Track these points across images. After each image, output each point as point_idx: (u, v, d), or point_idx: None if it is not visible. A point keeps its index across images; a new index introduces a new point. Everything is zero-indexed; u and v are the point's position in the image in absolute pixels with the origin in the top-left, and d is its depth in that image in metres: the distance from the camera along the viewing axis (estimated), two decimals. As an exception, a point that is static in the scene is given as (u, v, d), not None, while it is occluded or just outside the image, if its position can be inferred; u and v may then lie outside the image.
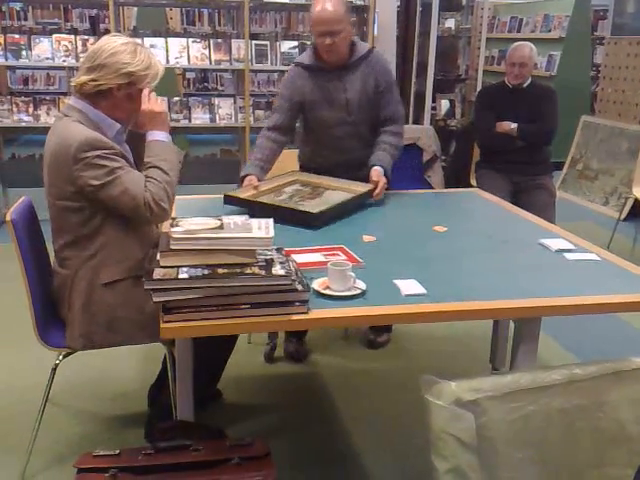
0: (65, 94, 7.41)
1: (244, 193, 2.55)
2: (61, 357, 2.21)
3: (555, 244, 2.20)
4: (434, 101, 5.79)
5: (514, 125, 3.93)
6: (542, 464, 1.25)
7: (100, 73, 1.99)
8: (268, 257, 1.73)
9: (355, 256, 2.06)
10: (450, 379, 1.20)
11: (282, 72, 8.08)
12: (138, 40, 2.10)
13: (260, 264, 1.68)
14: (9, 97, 4.61)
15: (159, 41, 4.74)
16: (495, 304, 1.77)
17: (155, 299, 1.59)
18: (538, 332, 1.95)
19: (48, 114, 4.59)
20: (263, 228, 1.74)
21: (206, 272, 1.62)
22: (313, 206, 2.46)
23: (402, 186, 3.56)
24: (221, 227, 1.70)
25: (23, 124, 4.59)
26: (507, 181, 4.00)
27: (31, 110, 4.57)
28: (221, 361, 2.43)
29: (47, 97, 4.66)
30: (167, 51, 4.66)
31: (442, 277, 1.94)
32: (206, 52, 4.73)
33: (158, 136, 2.10)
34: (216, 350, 2.29)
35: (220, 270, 1.64)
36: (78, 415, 2.61)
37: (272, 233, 1.70)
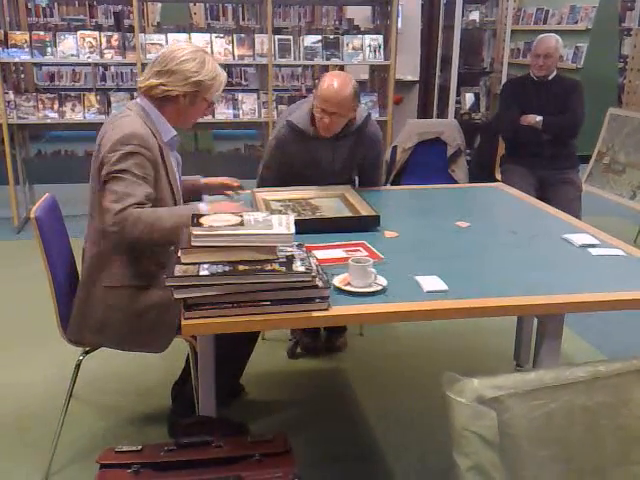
0: (90, 90, 7.51)
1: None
2: (82, 353, 2.23)
3: (579, 239, 2.16)
4: (458, 95, 5.74)
5: (539, 118, 3.88)
6: (565, 462, 1.23)
7: (169, 79, 2.06)
8: (289, 253, 1.73)
9: (376, 252, 2.05)
10: (472, 376, 1.20)
11: (306, 67, 8.15)
12: (207, 49, 2.14)
13: (281, 260, 1.68)
14: (35, 94, 4.65)
15: (182, 37, 4.75)
16: (517, 300, 1.74)
17: (176, 296, 1.60)
18: (561, 329, 1.92)
19: (73, 110, 4.62)
20: (284, 224, 1.73)
21: (227, 269, 1.62)
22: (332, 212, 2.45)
23: (425, 181, 3.55)
24: (241, 224, 1.70)
25: (48, 120, 4.63)
26: (532, 175, 3.96)
27: (56, 107, 4.61)
28: (243, 357, 2.43)
29: (72, 94, 4.69)
30: (190, 47, 4.66)
31: (464, 273, 1.92)
32: (229, 47, 4.73)
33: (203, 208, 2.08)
34: (238, 346, 2.30)
35: (241, 267, 1.63)
36: (102, 410, 2.63)
37: (293, 229, 1.70)
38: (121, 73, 8.15)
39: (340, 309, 1.68)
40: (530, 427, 1.20)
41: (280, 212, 2.42)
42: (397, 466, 2.32)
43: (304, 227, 2.02)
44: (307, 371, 2.95)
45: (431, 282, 1.82)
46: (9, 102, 4.57)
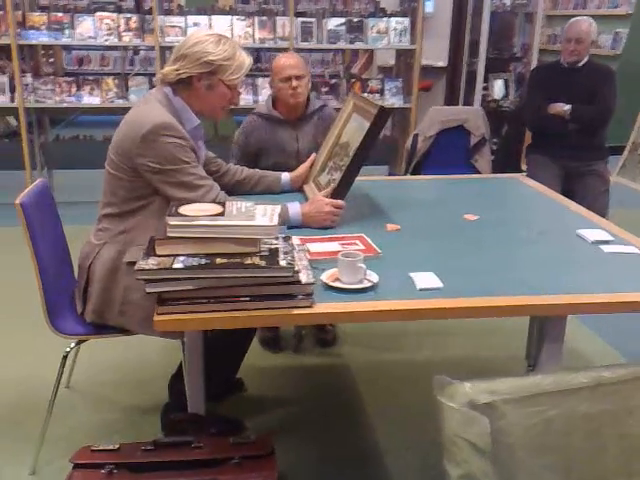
0: (119, 74, 7.48)
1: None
2: (73, 345, 2.17)
3: (593, 235, 2.01)
4: (487, 81, 5.53)
5: (567, 107, 3.69)
6: (564, 472, 1.18)
7: (183, 62, 2.01)
8: (273, 247, 1.62)
9: (374, 246, 1.93)
10: (465, 379, 1.14)
11: (336, 52, 7.96)
12: (227, 35, 2.09)
13: (262, 254, 1.57)
14: (52, 77, 4.62)
15: (203, 19, 4.66)
16: (512, 300, 1.62)
17: (148, 290, 1.51)
18: (563, 330, 1.78)
19: (91, 94, 4.59)
20: (268, 215, 1.62)
21: (203, 262, 1.53)
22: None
23: (447, 171, 3.41)
24: (222, 214, 1.60)
25: (65, 104, 4.59)
26: (558, 167, 3.78)
27: (74, 90, 4.58)
28: (238, 352, 2.34)
29: (90, 77, 4.65)
30: (210, 29, 4.57)
31: (463, 270, 1.79)
32: (250, 30, 4.62)
33: (294, 209, 2.10)
34: (232, 341, 2.20)
35: (219, 260, 1.54)
36: (98, 403, 2.57)
37: (276, 221, 1.59)
38: (150, 58, 8.11)
39: (324, 306, 1.57)
40: (526, 435, 1.14)
41: (323, 183, 2.36)
42: (396, 466, 2.21)
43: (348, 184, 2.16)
44: (310, 367, 2.85)
45: (425, 279, 1.69)
46: (27, 85, 4.55)
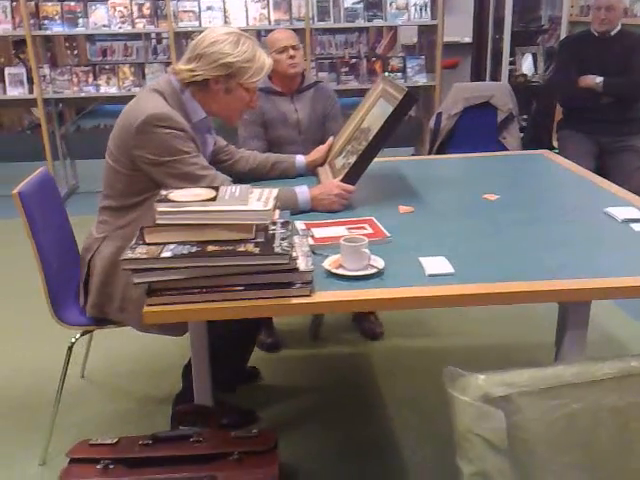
0: (142, 64, 7.41)
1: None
2: (78, 335, 2.12)
3: (622, 213, 1.86)
4: (513, 56, 5.31)
5: (599, 79, 3.50)
6: (590, 471, 1.09)
7: (198, 63, 1.89)
8: (270, 233, 1.51)
9: (382, 229, 1.81)
10: (481, 370, 1.05)
11: (351, 31, 7.75)
12: (245, 33, 1.98)
13: (257, 241, 1.47)
14: (69, 67, 4.57)
15: (217, 2, 4.55)
16: (528, 286, 1.48)
17: (135, 280, 1.42)
18: (587, 318, 1.64)
19: (108, 84, 4.53)
20: (263, 200, 1.52)
21: (194, 250, 1.43)
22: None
23: (473, 150, 3.27)
24: (214, 199, 1.50)
25: (82, 94, 4.55)
26: (592, 142, 3.60)
27: (91, 80, 4.53)
28: (245, 342, 2.25)
29: (107, 66, 4.59)
30: (225, 12, 4.47)
31: (478, 254, 1.66)
32: (265, 12, 4.50)
33: (303, 194, 2.01)
34: (238, 330, 2.11)
35: (210, 248, 1.44)
36: (113, 393, 2.52)
37: (271, 205, 1.48)
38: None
39: (324, 295, 1.46)
40: (547, 430, 1.06)
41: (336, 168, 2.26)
42: (413, 461, 2.11)
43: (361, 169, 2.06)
44: (328, 355, 2.75)
45: (436, 264, 1.57)
46: (44, 77, 4.52)
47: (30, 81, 4.59)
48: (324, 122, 2.92)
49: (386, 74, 4.87)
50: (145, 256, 1.41)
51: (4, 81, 4.65)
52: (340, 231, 1.81)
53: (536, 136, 4.41)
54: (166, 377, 2.57)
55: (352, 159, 2.11)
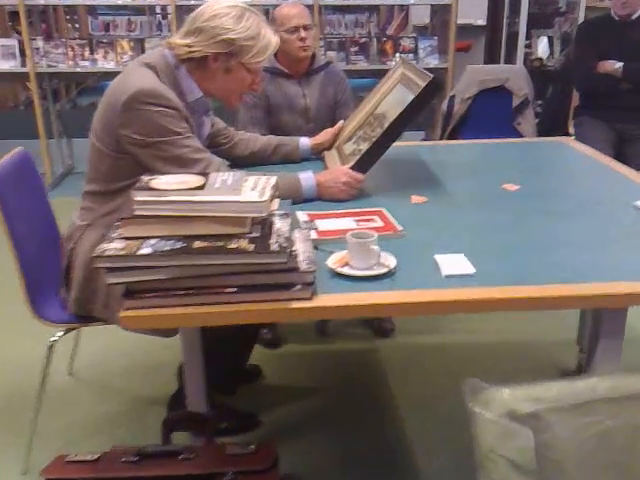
0: (143, 39, 7.18)
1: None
2: (61, 333, 1.94)
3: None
4: (529, 39, 5.08)
5: (619, 64, 3.32)
6: None
7: (197, 38, 1.70)
8: (266, 226, 1.33)
9: (393, 222, 1.63)
10: (501, 376, 0.98)
11: (362, 11, 7.50)
12: (251, 7, 1.77)
13: (252, 236, 1.29)
14: (64, 40, 4.36)
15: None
16: (560, 290, 1.30)
17: (109, 280, 1.24)
18: (623, 325, 1.45)
19: (105, 58, 4.33)
20: (259, 189, 1.33)
21: (178, 246, 1.25)
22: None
23: (487, 135, 3.09)
24: (202, 187, 1.32)
25: (78, 69, 4.35)
26: (610, 130, 3.42)
27: (87, 54, 4.33)
28: (244, 342, 2.08)
29: (104, 40, 4.39)
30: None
31: (499, 251, 1.48)
32: (270, -13, 4.29)
33: (308, 180, 1.83)
34: (234, 330, 1.94)
35: (197, 244, 1.26)
36: (103, 392, 2.35)
37: (267, 195, 1.30)
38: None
39: (328, 298, 1.28)
40: (579, 450, 0.96)
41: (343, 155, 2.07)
42: (429, 470, 1.94)
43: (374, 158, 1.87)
44: (335, 353, 2.57)
45: (453, 263, 1.39)
46: (37, 49, 4.32)
47: (23, 54, 4.38)
48: (335, 109, 2.69)
49: (398, 55, 4.67)
50: (122, 252, 1.23)
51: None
52: (347, 224, 1.63)
53: (551, 122, 4.21)
54: (161, 375, 2.40)
55: (364, 146, 1.93)
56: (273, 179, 1.39)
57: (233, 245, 1.25)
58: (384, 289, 1.31)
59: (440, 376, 2.39)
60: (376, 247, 1.36)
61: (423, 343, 2.61)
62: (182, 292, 1.25)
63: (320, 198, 1.83)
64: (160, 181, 1.34)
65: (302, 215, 1.69)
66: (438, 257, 1.42)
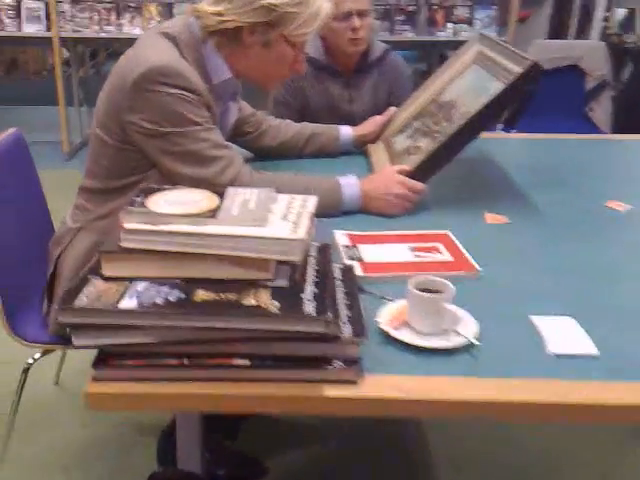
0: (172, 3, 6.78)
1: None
2: (37, 355, 1.63)
3: None
4: (607, 9, 4.53)
5: None
6: None
7: (229, 5, 1.37)
8: (297, 269, 0.94)
9: (466, 255, 1.23)
10: None
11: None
12: None
13: (277, 285, 0.91)
14: (90, 4, 4.00)
15: None
16: None
17: (75, 342, 0.88)
18: None
19: (132, 23, 3.97)
20: (291, 218, 0.95)
21: (173, 298, 0.87)
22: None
23: (552, 123, 2.68)
24: (214, 212, 0.94)
25: (103, 35, 4.01)
26: None
27: (113, 19, 3.97)
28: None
29: (132, 3, 4.01)
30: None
31: (626, 314, 1.06)
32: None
33: (351, 188, 1.45)
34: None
35: (200, 295, 0.88)
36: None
37: (303, 232, 0.91)
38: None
39: (378, 383, 0.89)
40: None
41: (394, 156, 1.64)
42: None
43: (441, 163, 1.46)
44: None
45: (563, 333, 0.98)
46: (63, 12, 3.98)
47: (48, 17, 4.05)
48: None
49: (450, 25, 4.20)
50: (96, 305, 0.86)
51: (20, 16, 4.13)
52: (401, 253, 1.24)
53: (629, 111, 3.71)
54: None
55: (424, 143, 1.53)
56: (312, 203, 1.00)
57: (250, 300, 0.87)
58: (461, 373, 0.91)
59: (485, 430, 1.99)
60: (450, 306, 0.97)
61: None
62: (174, 361, 0.88)
63: (363, 211, 1.45)
64: (158, 199, 0.97)
65: (341, 236, 1.30)
66: (537, 320, 1.01)
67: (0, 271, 1.51)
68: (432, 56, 5.38)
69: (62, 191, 3.21)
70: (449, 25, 4.27)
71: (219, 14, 1.37)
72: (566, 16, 4.76)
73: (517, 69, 1.40)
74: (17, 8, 4.13)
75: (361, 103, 2.17)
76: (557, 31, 4.84)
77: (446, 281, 0.98)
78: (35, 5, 4.14)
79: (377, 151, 1.78)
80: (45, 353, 1.61)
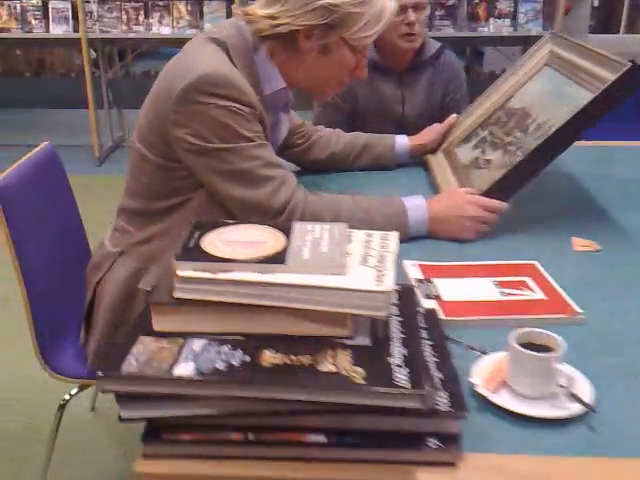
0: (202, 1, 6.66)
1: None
2: (74, 391, 1.51)
3: None
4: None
5: None
6: None
7: (283, 7, 1.25)
8: (379, 321, 0.80)
9: (562, 294, 1.07)
10: None
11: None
12: None
13: (358, 344, 0.76)
14: (118, 3, 3.90)
15: None
16: None
17: (123, 414, 0.74)
18: None
19: (161, 23, 3.85)
20: (372, 262, 0.80)
21: (237, 361, 0.74)
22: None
23: (605, 128, 2.47)
24: (281, 255, 0.80)
25: (131, 35, 3.91)
26: None
27: (142, 19, 3.86)
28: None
29: (160, 3, 3.90)
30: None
31: None
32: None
33: (417, 210, 1.30)
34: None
35: (268, 357, 0.74)
36: (125, 441, 1.89)
37: (390, 282, 0.76)
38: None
39: (480, 465, 0.74)
40: None
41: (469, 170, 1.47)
42: None
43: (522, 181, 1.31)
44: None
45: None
46: (90, 13, 3.89)
47: (75, 17, 3.97)
48: (441, 114, 2.02)
49: (492, 21, 4.02)
50: (148, 370, 0.72)
51: (48, 17, 4.04)
52: (484, 289, 1.09)
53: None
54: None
55: (495, 156, 1.37)
56: (394, 241, 0.85)
57: (328, 366, 0.73)
58: (582, 450, 0.75)
59: None
60: (560, 366, 0.81)
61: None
62: (237, 436, 0.74)
63: (431, 235, 1.30)
64: (213, 238, 0.83)
65: (411, 267, 1.15)
66: (659, 379, 0.86)
67: (34, 300, 1.39)
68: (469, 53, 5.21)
69: (95, 197, 3.09)
70: (491, 20, 4.09)
71: (272, 17, 1.24)
72: (614, 8, 4.53)
73: (607, 75, 1.24)
74: (44, 9, 4.06)
75: (414, 104, 2.06)
76: (604, 24, 4.62)
77: (555, 335, 0.83)
78: (62, 5, 4.06)
79: (438, 163, 1.63)
80: (82, 388, 1.49)
